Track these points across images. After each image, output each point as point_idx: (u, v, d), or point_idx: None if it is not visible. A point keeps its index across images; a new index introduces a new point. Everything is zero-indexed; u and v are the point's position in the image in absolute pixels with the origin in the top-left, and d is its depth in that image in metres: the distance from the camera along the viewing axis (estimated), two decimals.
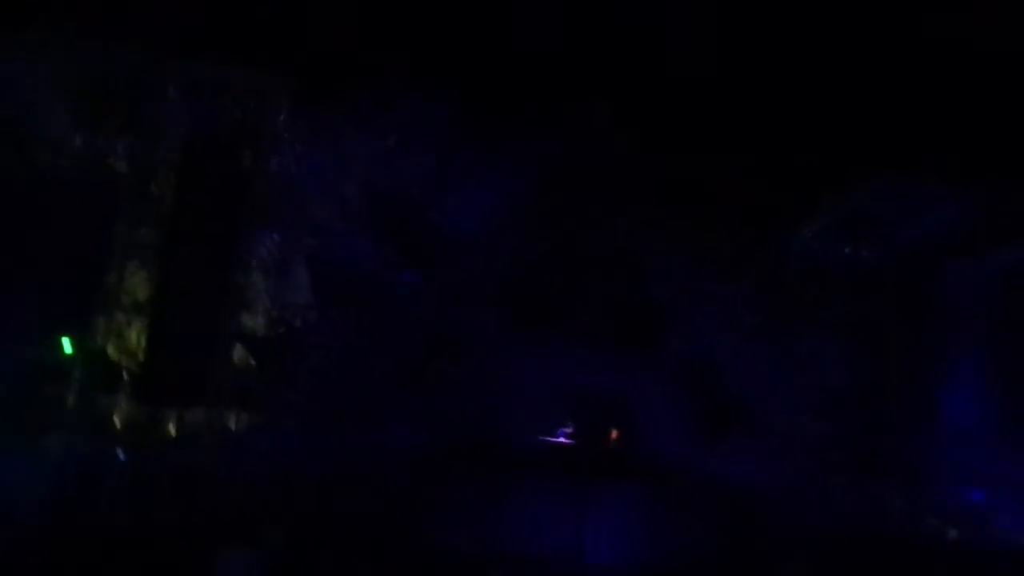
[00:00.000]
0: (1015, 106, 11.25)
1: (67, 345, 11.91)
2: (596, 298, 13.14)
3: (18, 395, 11.44)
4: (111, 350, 12.26)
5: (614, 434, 13.32)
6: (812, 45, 11.59)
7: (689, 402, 12.73)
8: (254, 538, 9.73)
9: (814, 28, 11.51)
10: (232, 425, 12.70)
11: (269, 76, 12.56)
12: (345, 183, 12.99)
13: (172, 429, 12.39)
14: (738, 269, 12.94)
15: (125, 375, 12.25)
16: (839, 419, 12.25)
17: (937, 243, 12.29)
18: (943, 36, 11.02)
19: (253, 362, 12.86)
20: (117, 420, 12.03)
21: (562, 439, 13.02)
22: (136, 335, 12.46)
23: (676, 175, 12.46)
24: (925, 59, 11.07)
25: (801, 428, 12.27)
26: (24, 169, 11.94)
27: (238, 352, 12.89)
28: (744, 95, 11.57)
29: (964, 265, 12.57)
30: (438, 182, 12.90)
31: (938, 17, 10.95)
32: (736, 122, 11.90)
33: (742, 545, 11.30)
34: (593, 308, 13.11)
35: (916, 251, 12.43)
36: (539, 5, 11.34)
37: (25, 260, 11.77)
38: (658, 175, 12.68)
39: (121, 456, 11.31)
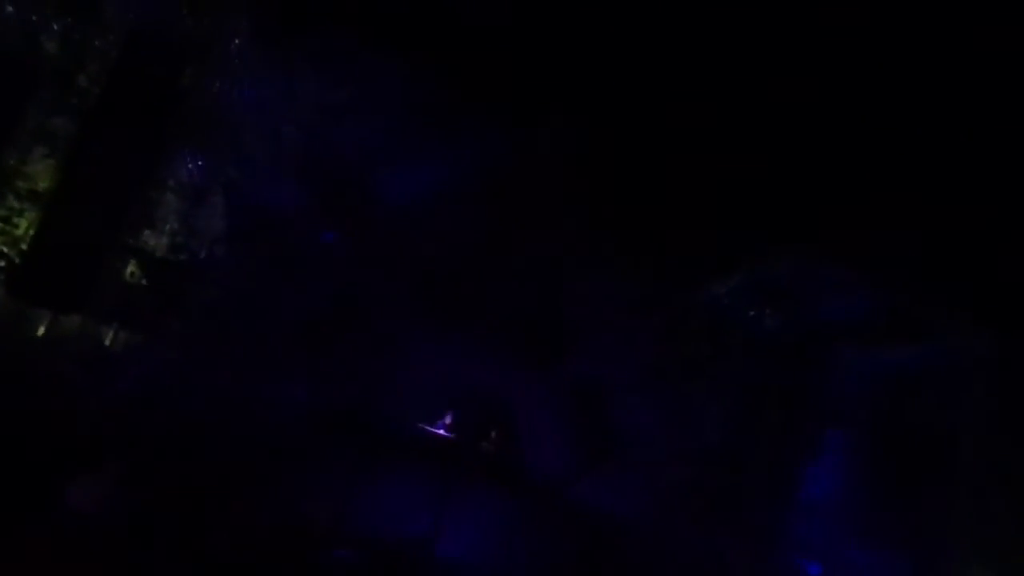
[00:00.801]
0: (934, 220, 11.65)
1: None
2: (509, 301, 13.15)
3: None
4: None
5: (492, 436, 13.36)
6: (758, 121, 11.71)
7: (573, 424, 12.93)
8: (99, 462, 9.35)
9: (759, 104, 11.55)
10: (107, 340, 12.15)
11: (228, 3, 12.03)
12: (285, 125, 12.57)
13: (42, 329, 11.76)
14: (648, 308, 13.20)
15: (2, 263, 11.55)
16: (706, 470, 12.69)
17: (836, 327, 12.86)
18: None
19: (145, 282, 12.30)
20: None
21: (441, 431, 12.98)
22: (26, 226, 11.74)
23: (617, 202, 12.59)
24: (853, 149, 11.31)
25: (669, 471, 12.64)
26: None
27: (131, 268, 12.32)
28: (690, 153, 11.68)
29: (857, 353, 13.21)
30: (382, 148, 12.63)
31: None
32: (679, 173, 12.05)
33: (586, 564, 11.62)
34: (503, 311, 13.12)
35: (815, 330, 12.99)
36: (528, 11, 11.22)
37: None
38: (600, 197, 12.78)
39: None
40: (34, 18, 11.54)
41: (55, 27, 11.73)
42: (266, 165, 12.49)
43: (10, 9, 11.35)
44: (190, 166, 12.40)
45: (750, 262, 12.74)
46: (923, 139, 10.24)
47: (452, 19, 11.42)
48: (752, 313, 13.15)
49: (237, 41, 12.26)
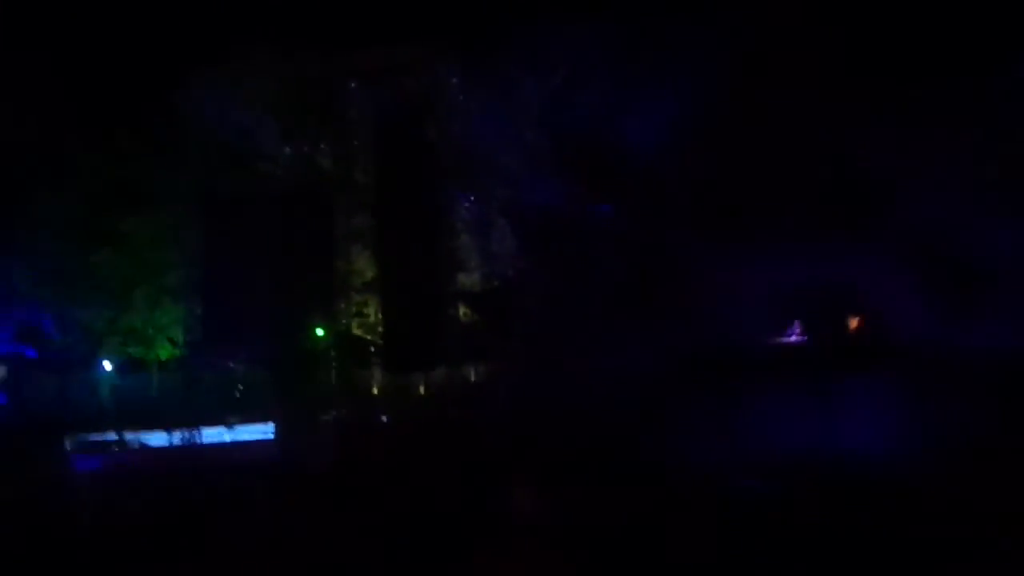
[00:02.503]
0: None
1: (320, 330, 13.47)
2: (799, 189, 12.29)
3: (291, 380, 13.12)
4: (356, 328, 13.69)
5: (854, 324, 12.56)
6: None
7: (927, 275, 11.65)
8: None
9: None
10: (471, 377, 13.65)
11: (432, 49, 13.11)
12: (524, 130, 13.24)
13: (421, 389, 13.60)
14: (957, 125, 11.47)
15: (372, 348, 13.64)
16: None
17: None
18: None
19: (476, 317, 13.68)
20: (375, 388, 13.45)
21: (794, 338, 12.54)
22: (374, 312, 13.78)
23: (858, 37, 11.26)
24: None
25: None
26: (247, 183, 13.48)
27: (462, 311, 13.81)
28: None
29: None
30: (612, 110, 12.71)
31: None
32: None
33: (1005, 418, 10.31)
34: (799, 200, 12.28)
35: None
36: None
37: (268, 263, 13.38)
38: (845, 42, 11.54)
39: (384, 419, 12.66)
40: (305, 147, 13.62)
41: (322, 146, 13.73)
42: (524, 171, 13.24)
43: (287, 149, 13.52)
44: (466, 204, 13.63)
45: None
46: None
47: None
48: None
49: (454, 80, 13.32)
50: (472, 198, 13.63)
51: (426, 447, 12.30)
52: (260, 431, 12.27)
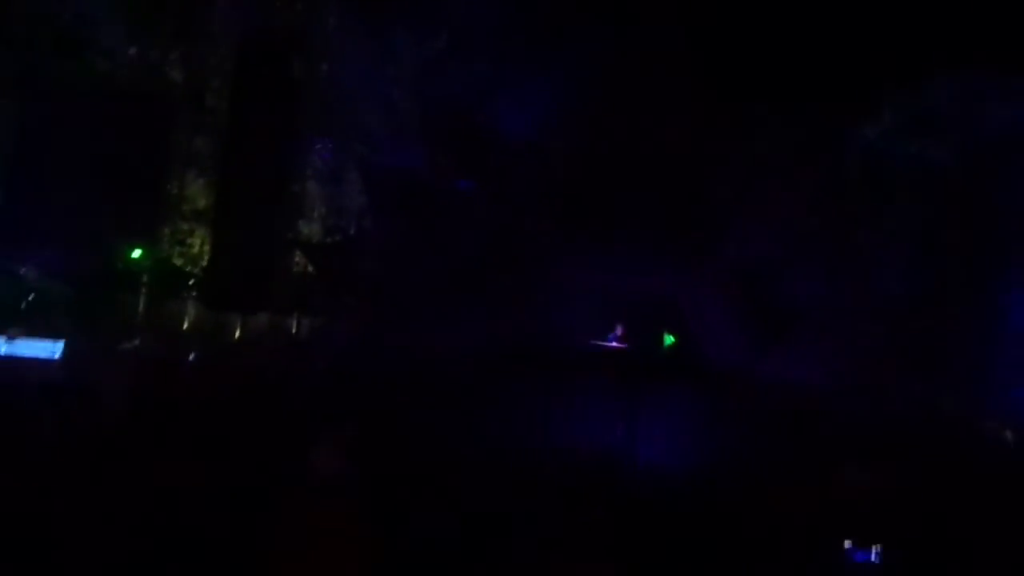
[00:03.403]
0: None
1: (136, 252, 12.35)
2: (650, 201, 12.91)
3: (92, 300, 11.96)
4: (177, 258, 12.72)
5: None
6: None
7: (744, 306, 12.63)
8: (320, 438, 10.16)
9: None
10: (293, 329, 13.14)
11: None
12: (396, 89, 12.90)
13: (237, 333, 12.90)
14: (798, 170, 12.55)
15: (191, 282, 12.73)
16: (898, 321, 12.05)
17: (1003, 142, 11.71)
18: None
19: (311, 268, 13.17)
20: (186, 324, 12.56)
21: (614, 344, 13.09)
22: (199, 243, 12.86)
23: (736, 73, 11.98)
24: None
25: (857, 331, 12.12)
26: (82, 79, 12.13)
27: (296, 259, 13.22)
28: None
29: None
30: (490, 85, 12.68)
31: None
32: (799, 15, 11.32)
33: (795, 450, 11.37)
34: (647, 211, 12.90)
35: (984, 150, 11.88)
36: None
37: (88, 170, 12.11)
38: (717, 73, 12.20)
39: (191, 358, 11.85)
40: (154, 52, 12.43)
41: (173, 56, 12.59)
42: (389, 130, 12.90)
43: (133, 51, 12.28)
44: (322, 150, 13.05)
45: (895, 96, 11.80)
46: None
47: None
48: (913, 149, 12.19)
49: (331, 21, 12.67)
50: (328, 144, 13.06)
51: (231, 393, 11.78)
52: (45, 349, 11.05)
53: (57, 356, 11.07)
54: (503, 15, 12.27)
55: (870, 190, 12.38)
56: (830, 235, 12.46)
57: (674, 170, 12.59)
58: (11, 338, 10.93)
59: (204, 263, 12.74)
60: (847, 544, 6.56)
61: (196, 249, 12.85)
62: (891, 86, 11.74)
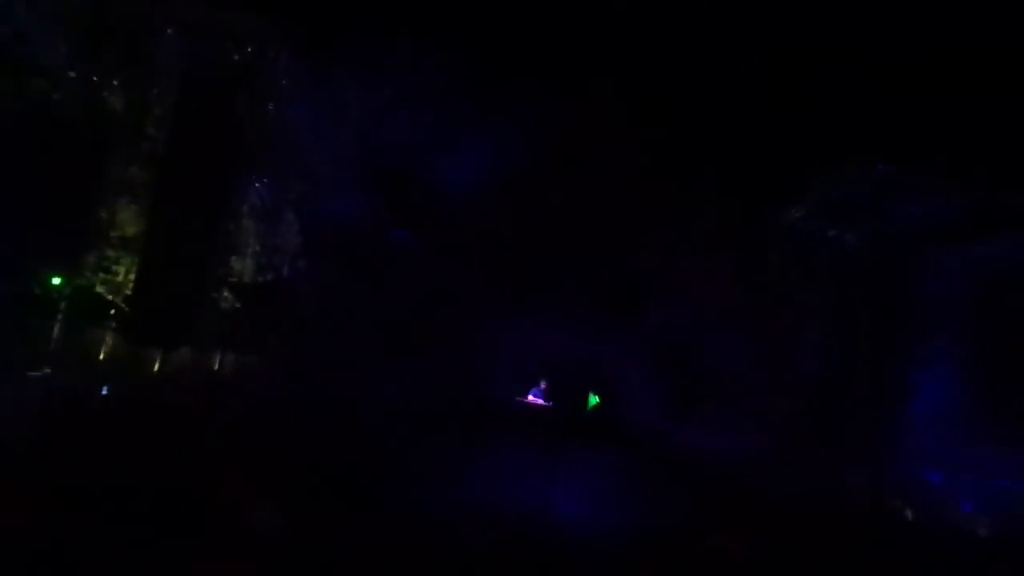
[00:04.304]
0: (1009, 102, 11.34)
1: (56, 279, 11.99)
2: (582, 264, 13.23)
3: (5, 325, 11.52)
4: (99, 286, 12.37)
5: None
6: (809, 34, 11.61)
7: (664, 374, 12.95)
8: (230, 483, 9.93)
9: (813, 19, 11.51)
10: (215, 366, 12.87)
11: (269, 21, 12.49)
12: (340, 133, 12.99)
13: (156, 367, 12.56)
14: (723, 245, 13.06)
15: (112, 311, 12.38)
16: (810, 398, 12.53)
17: (921, 232, 12.46)
18: (939, 33, 11.07)
19: (239, 305, 12.98)
20: (102, 355, 12.18)
21: (541, 402, 13.22)
22: (124, 272, 12.56)
23: (668, 150, 12.52)
24: (921, 52, 11.12)
25: (772, 405, 12.54)
26: (17, 99, 11.86)
27: (225, 295, 13.02)
28: (740, 77, 11.62)
29: (945, 255, 12.77)
30: (433, 138, 12.89)
31: (936, 15, 10.99)
32: (730, 102, 11.96)
33: (705, 514, 11.61)
34: (578, 275, 13.21)
35: (900, 238, 12.60)
36: None
37: (16, 191, 11.76)
38: (651, 149, 12.73)
39: (104, 391, 11.47)
40: (95, 78, 12.26)
41: (115, 83, 12.43)
42: (330, 175, 12.94)
43: (72, 74, 12.08)
44: (260, 189, 12.98)
45: (818, 183, 12.47)
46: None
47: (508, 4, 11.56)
48: (832, 232, 12.85)
49: (281, 63, 12.75)
50: (267, 183, 13.01)
51: (144, 430, 11.43)
52: None
53: None
54: (452, 71, 12.55)
55: (789, 270, 12.95)
56: (750, 310, 12.93)
57: (606, 237, 12.96)
58: None
59: (127, 293, 12.42)
60: None
61: (120, 278, 12.54)
62: (813, 173, 12.40)
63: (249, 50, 12.67)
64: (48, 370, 11.35)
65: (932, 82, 11.18)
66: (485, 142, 12.70)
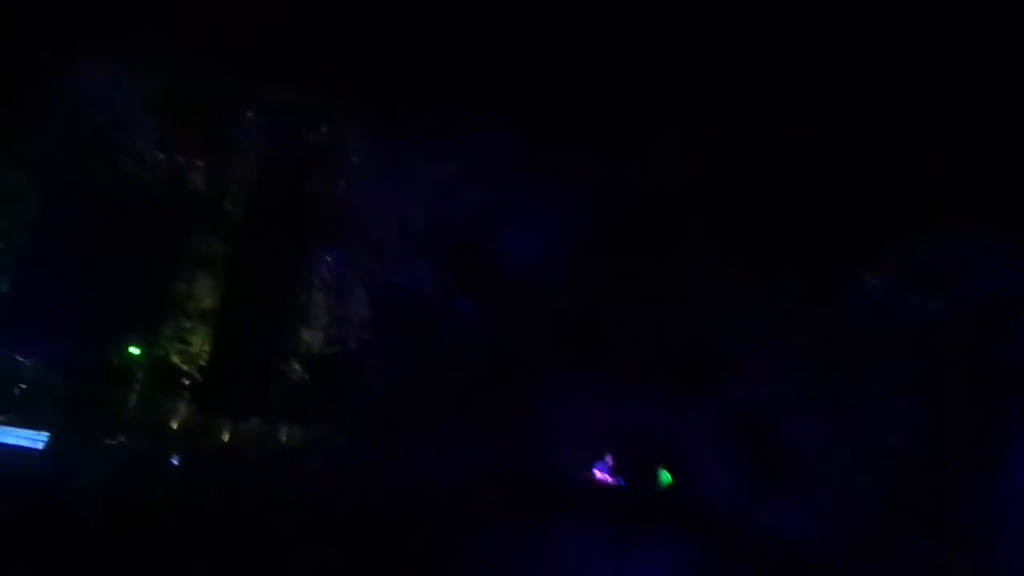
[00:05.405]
0: None
1: (134, 348, 12.40)
2: (652, 336, 12.97)
3: (84, 394, 11.90)
4: (175, 356, 12.72)
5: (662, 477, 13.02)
6: (887, 98, 11.45)
7: (741, 449, 12.39)
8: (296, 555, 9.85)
9: (891, 80, 11.37)
10: (283, 438, 12.92)
11: (342, 100, 13.06)
12: (409, 208, 13.28)
13: (226, 437, 12.70)
14: (800, 316, 12.60)
15: (186, 381, 12.68)
16: (898, 475, 11.71)
17: (1006, 297, 11.78)
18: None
19: (307, 377, 13.11)
20: (175, 425, 12.41)
21: (608, 478, 12.80)
22: (200, 344, 12.90)
23: (742, 216, 12.34)
24: (997, 114, 10.81)
25: (857, 484, 11.77)
26: (108, 178, 12.60)
27: (294, 367, 13.19)
28: (817, 140, 11.45)
29: None
30: (499, 211, 13.05)
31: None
32: (805, 166, 11.77)
33: None
34: (648, 346, 12.94)
35: (984, 304, 11.92)
36: (611, 41, 11.53)
37: (100, 265, 12.37)
38: (724, 215, 12.58)
39: (175, 461, 11.63)
40: (180, 159, 12.96)
41: (198, 163, 13.10)
42: (397, 248, 13.18)
43: (161, 155, 12.81)
44: (331, 263, 13.29)
45: (898, 248, 12.00)
46: None
47: (571, 77, 11.84)
48: (914, 300, 12.26)
49: (353, 140, 13.24)
50: (338, 257, 13.32)
51: (214, 501, 11.51)
52: (30, 438, 10.93)
53: (40, 447, 10.95)
54: (518, 145, 12.78)
55: (871, 339, 12.37)
56: (830, 382, 12.35)
57: (677, 306, 12.70)
58: None
59: (201, 363, 12.72)
60: None
61: (196, 349, 12.88)
62: (893, 238, 11.97)
63: (323, 129, 13.22)
64: (123, 438, 11.60)
65: (1016, 140, 10.81)
66: (551, 214, 12.78)
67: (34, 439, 10.93)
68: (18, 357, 11.72)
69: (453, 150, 13.02)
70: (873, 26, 10.73)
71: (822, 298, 12.43)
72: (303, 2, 12.18)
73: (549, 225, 12.78)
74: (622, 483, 12.74)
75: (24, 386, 11.61)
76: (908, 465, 11.80)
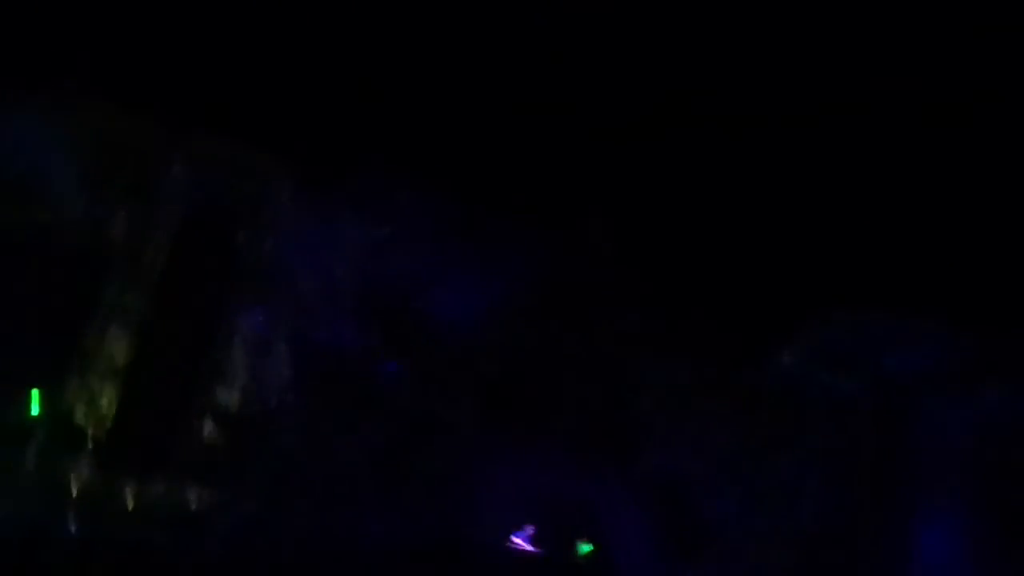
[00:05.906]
0: (1009, 249, 11.52)
1: (34, 403, 11.76)
2: (575, 403, 13.09)
3: None
4: (79, 413, 12.10)
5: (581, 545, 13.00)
6: (804, 183, 12.01)
7: (659, 520, 12.52)
8: None
9: (806, 164, 11.95)
10: (192, 501, 12.40)
11: (273, 157, 12.91)
12: (335, 268, 13.14)
13: (130, 499, 12.10)
14: (720, 389, 12.94)
15: (89, 440, 12.06)
16: (809, 551, 12.01)
17: (917, 380, 12.35)
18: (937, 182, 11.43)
19: (221, 438, 12.67)
20: (74, 486, 11.76)
21: (527, 546, 12.71)
22: (107, 401, 12.32)
23: (666, 292, 12.68)
24: (917, 204, 11.45)
25: (771, 559, 12.01)
26: (22, 227, 12.08)
27: (208, 426, 12.73)
28: (735, 224, 11.94)
29: (943, 404, 12.59)
30: (427, 274, 13.05)
31: (936, 161, 11.38)
32: (726, 246, 12.22)
33: None
34: (571, 413, 13.04)
35: (895, 386, 12.48)
36: (544, 118, 11.83)
37: (8, 315, 11.78)
38: (648, 289, 12.89)
39: (72, 528, 11.02)
40: (100, 207, 12.52)
41: (119, 212, 12.68)
42: (323, 307, 12.99)
43: (79, 203, 12.35)
44: (252, 320, 12.97)
45: (811, 328, 12.50)
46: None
47: (504, 149, 12.05)
48: (826, 378, 12.75)
49: (282, 198, 13.07)
50: (261, 316, 13.03)
51: (115, 570, 11.00)
52: None
53: None
54: (448, 211, 12.87)
55: (785, 416, 12.76)
56: (747, 456, 12.66)
57: (600, 377, 12.88)
58: None
59: (108, 424, 12.14)
60: None
61: (103, 406, 12.30)
62: (803, 319, 12.45)
63: (252, 184, 13.02)
64: (15, 503, 10.94)
65: (928, 230, 11.41)
66: (477, 280, 12.85)
67: None
68: None
69: (383, 212, 13.01)
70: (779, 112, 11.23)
71: (740, 373, 12.81)
72: (234, 55, 12.10)
73: (476, 290, 12.85)
74: (541, 552, 12.67)
75: None
76: (819, 541, 12.11)
